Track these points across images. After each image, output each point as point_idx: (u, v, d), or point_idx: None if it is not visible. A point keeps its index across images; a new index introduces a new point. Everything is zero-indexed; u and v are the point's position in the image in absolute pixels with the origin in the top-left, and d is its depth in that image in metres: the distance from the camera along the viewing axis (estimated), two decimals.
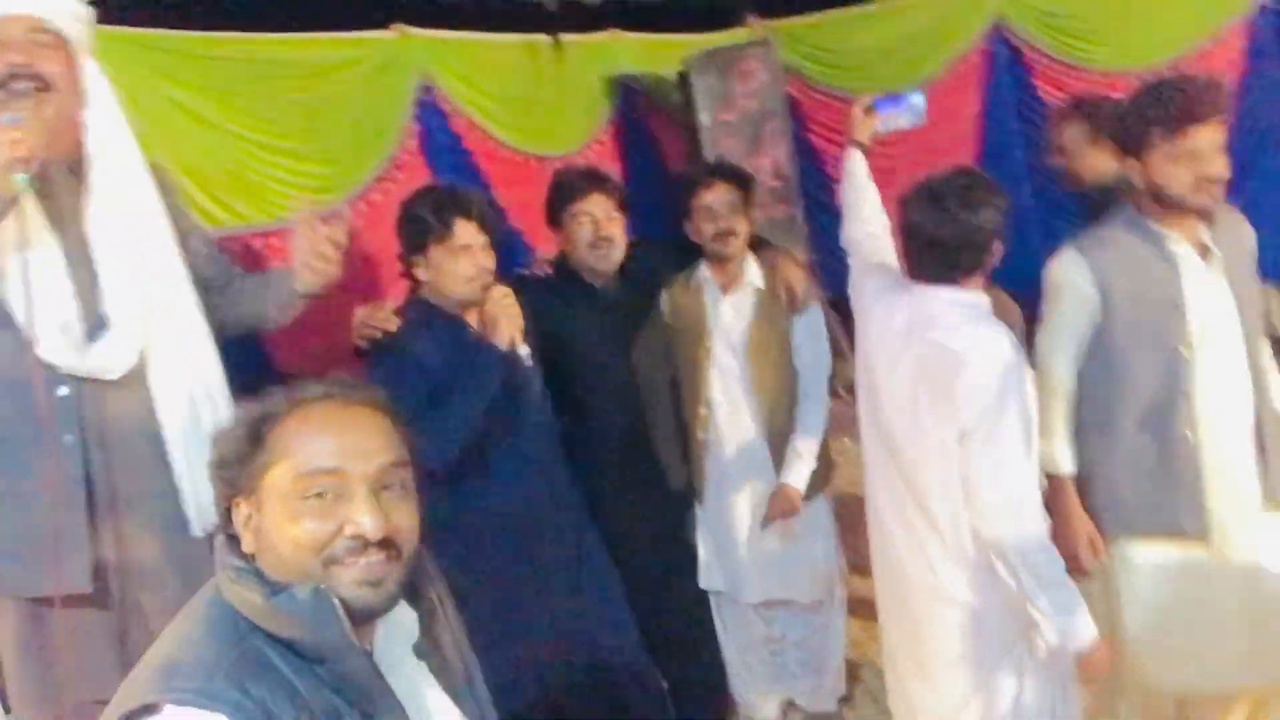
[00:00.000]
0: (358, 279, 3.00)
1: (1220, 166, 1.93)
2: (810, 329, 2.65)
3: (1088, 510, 2.13)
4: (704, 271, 2.64)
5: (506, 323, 2.17)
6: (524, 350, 2.25)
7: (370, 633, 1.07)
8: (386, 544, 1.03)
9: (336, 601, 1.00)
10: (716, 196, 2.54)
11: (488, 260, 2.21)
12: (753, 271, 2.63)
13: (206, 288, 1.90)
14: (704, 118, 4.54)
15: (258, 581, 1.02)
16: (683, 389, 2.66)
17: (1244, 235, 2.12)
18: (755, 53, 4.65)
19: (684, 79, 4.69)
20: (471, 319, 2.23)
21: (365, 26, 3.91)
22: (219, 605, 1.03)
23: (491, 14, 4.40)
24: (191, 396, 1.78)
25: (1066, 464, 2.14)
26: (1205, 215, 2.01)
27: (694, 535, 2.70)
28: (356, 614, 1.02)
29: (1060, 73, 5.21)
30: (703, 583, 2.71)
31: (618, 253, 2.49)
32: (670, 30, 5.15)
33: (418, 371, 2.14)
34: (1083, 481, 2.14)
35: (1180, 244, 2.03)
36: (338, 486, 1.03)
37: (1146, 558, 2.09)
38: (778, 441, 2.61)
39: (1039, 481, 1.95)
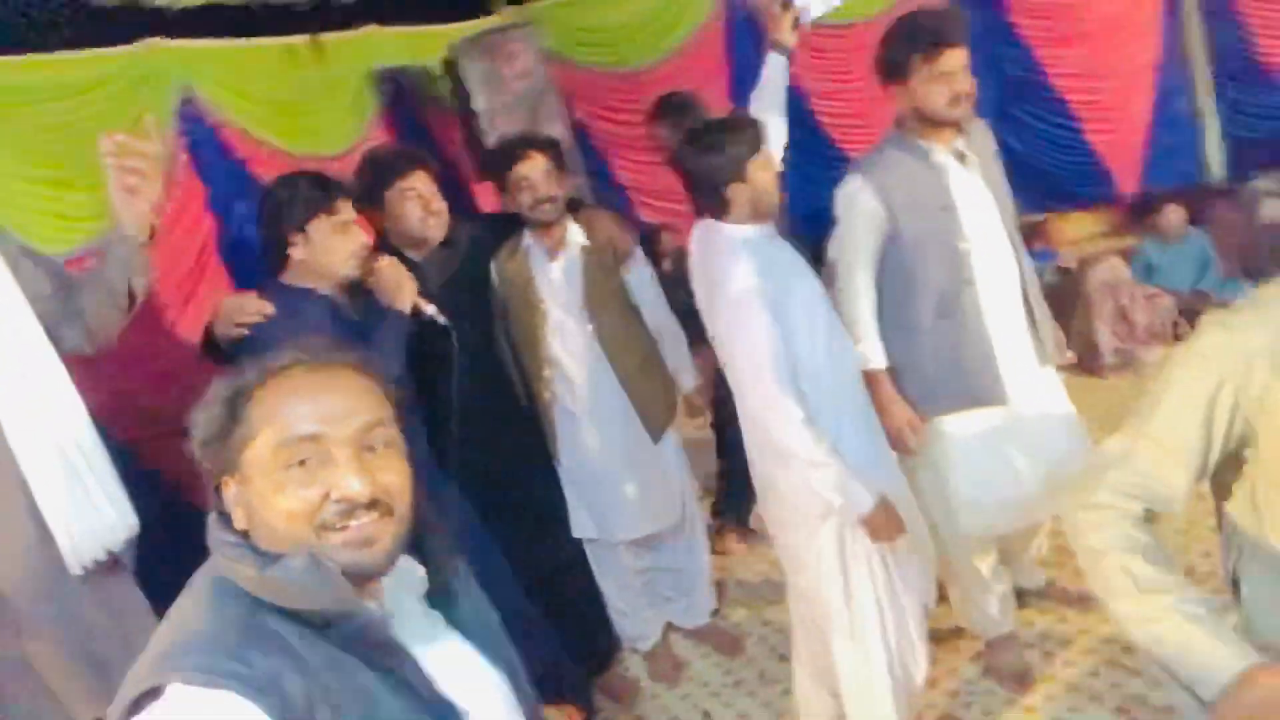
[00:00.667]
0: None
1: (969, 83, 2.30)
2: (643, 275, 2.86)
3: (904, 397, 2.46)
4: (528, 239, 2.76)
5: (405, 287, 2.22)
6: (430, 309, 2.29)
7: (377, 592, 1.06)
8: (376, 504, 1.02)
9: (331, 564, 0.98)
10: (532, 166, 2.66)
11: (365, 238, 2.24)
12: (575, 232, 2.78)
13: (48, 303, 1.82)
14: (479, 102, 4.62)
15: (252, 555, 1.01)
16: (522, 353, 2.78)
17: (989, 140, 2.51)
18: (518, 35, 4.78)
19: (451, 67, 4.75)
20: (343, 298, 2.23)
21: (118, 42, 3.72)
22: (218, 583, 1.01)
23: (247, 20, 4.28)
24: (54, 437, 1.72)
25: (879, 359, 2.45)
26: (961, 127, 2.38)
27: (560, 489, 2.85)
28: (355, 576, 1.01)
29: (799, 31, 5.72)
30: (575, 532, 2.86)
31: (445, 225, 2.57)
32: (426, 22, 5.19)
33: None
34: (896, 372, 2.47)
35: (943, 154, 2.38)
36: (319, 452, 1.01)
37: (957, 429, 2.45)
38: (634, 387, 2.79)
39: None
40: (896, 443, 2.41)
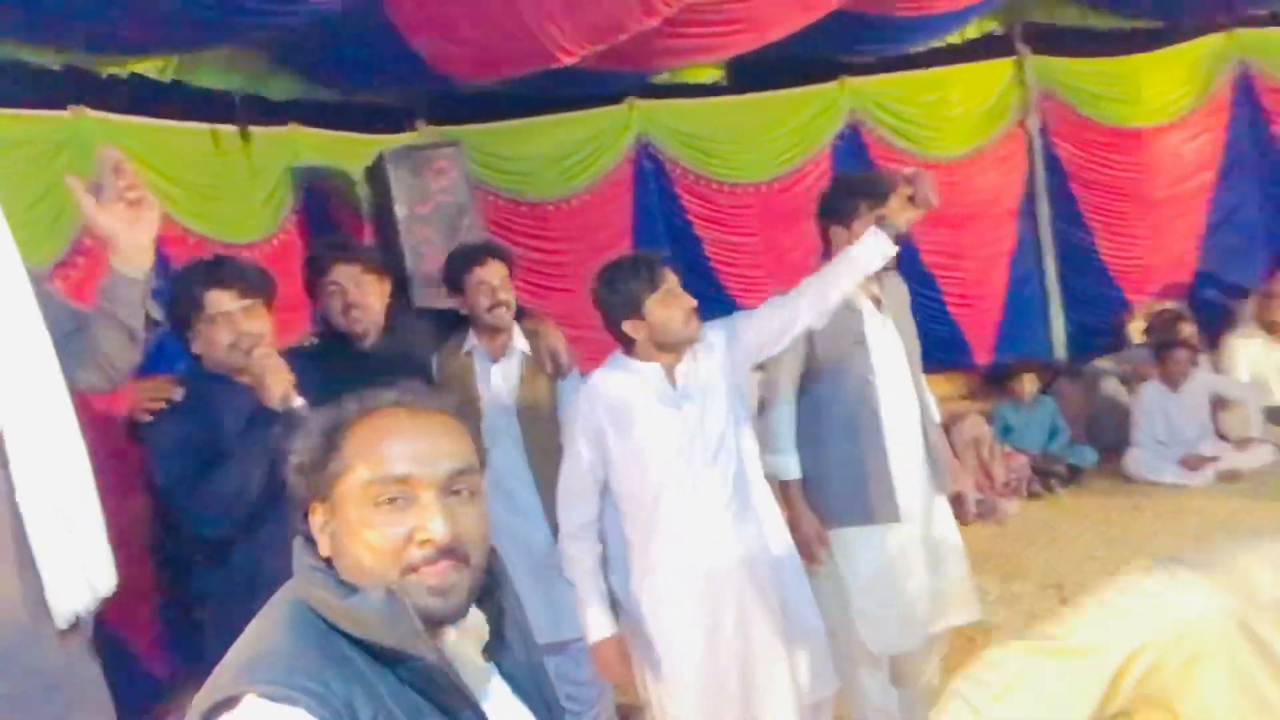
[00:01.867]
0: None
1: None
2: (575, 388, 2.97)
3: (811, 509, 2.65)
4: (473, 340, 2.86)
5: (273, 380, 2.15)
6: (299, 403, 2.23)
7: (441, 636, 1.08)
8: (453, 550, 1.05)
9: (408, 603, 1.01)
10: (490, 272, 2.79)
11: (250, 324, 2.20)
12: (519, 339, 2.89)
13: (69, 341, 1.77)
14: (400, 210, 4.75)
15: (333, 582, 1.04)
16: None
17: (903, 291, 2.83)
18: (447, 152, 4.99)
19: (376, 173, 4.89)
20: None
21: (46, 104, 3.69)
22: (298, 605, 1.04)
23: (176, 101, 4.31)
24: (50, 480, 1.65)
25: (794, 471, 2.66)
26: (878, 274, 2.67)
27: None
28: (427, 621, 1.02)
29: (696, 183, 6.16)
30: None
31: (368, 317, 2.63)
32: (348, 129, 5.34)
33: (192, 440, 2.12)
34: (805, 485, 2.67)
35: (861, 298, 2.67)
36: (407, 492, 1.05)
37: (856, 543, 2.64)
38: (549, 493, 2.85)
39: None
40: (804, 553, 2.56)
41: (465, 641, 1.09)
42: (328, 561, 1.07)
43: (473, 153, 5.64)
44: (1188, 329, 5.21)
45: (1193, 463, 4.95)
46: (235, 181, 4.57)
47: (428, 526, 1.04)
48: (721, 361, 2.36)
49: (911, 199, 2.34)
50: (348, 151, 5.23)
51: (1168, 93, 6.32)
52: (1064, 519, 4.77)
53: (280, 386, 2.16)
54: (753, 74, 5.94)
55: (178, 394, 2.15)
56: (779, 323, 2.36)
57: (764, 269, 6.03)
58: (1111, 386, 5.46)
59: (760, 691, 2.30)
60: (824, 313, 2.38)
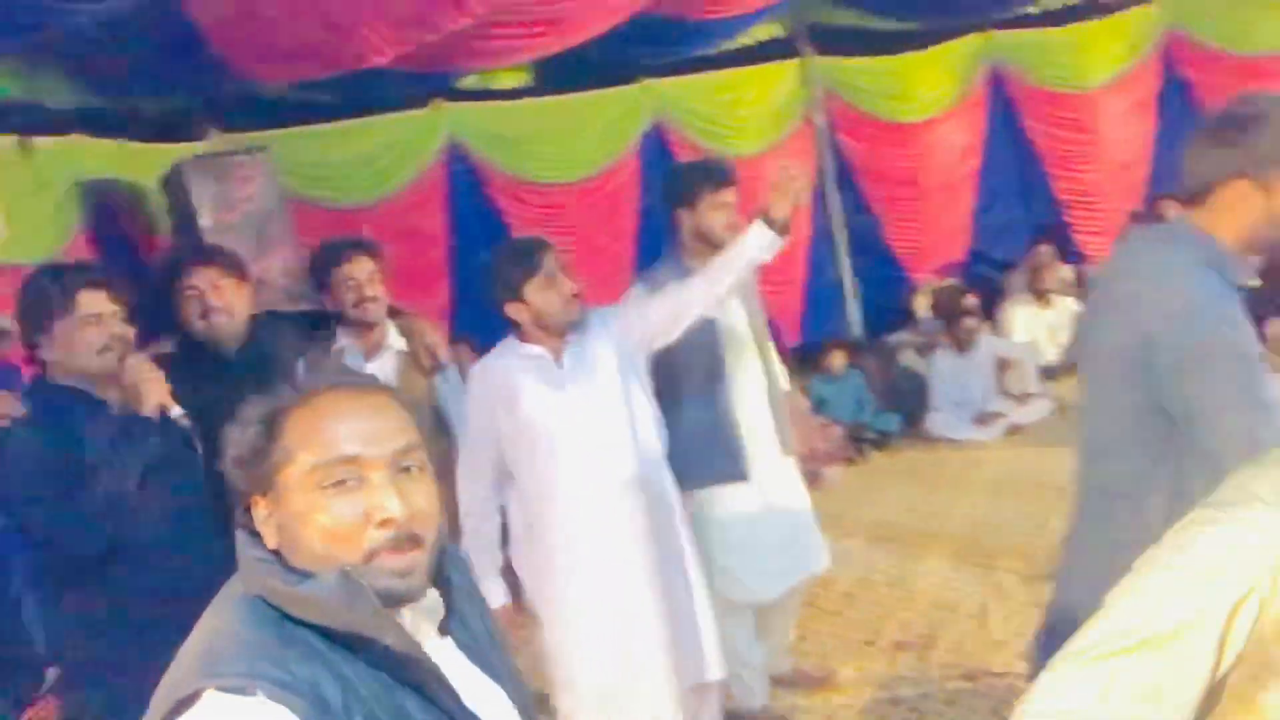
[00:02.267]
0: None
1: (737, 216, 2.78)
2: (452, 383, 2.96)
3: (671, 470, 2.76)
4: (344, 339, 2.80)
5: (148, 387, 2.10)
6: (176, 412, 2.20)
7: (397, 615, 1.05)
8: (412, 531, 1.02)
9: (365, 584, 0.98)
10: (355, 267, 2.73)
11: (122, 328, 2.14)
12: (393, 336, 2.84)
13: None
14: (205, 219, 4.52)
15: (284, 571, 1.01)
16: None
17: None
18: (252, 158, 4.79)
19: (173, 182, 4.63)
20: (111, 394, 2.13)
21: None
22: (248, 599, 1.00)
23: None
24: None
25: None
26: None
27: None
28: (385, 602, 1.00)
29: (510, 184, 6.20)
30: None
31: (229, 322, 2.53)
32: (138, 139, 5.02)
33: (47, 456, 2.00)
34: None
35: None
36: (356, 473, 1.02)
37: (712, 501, 2.78)
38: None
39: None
40: None
41: (421, 619, 1.07)
42: (275, 554, 1.04)
43: (277, 159, 5.45)
44: (969, 301, 5.78)
45: (984, 419, 5.51)
46: (18, 196, 4.22)
47: (384, 506, 1.01)
48: (614, 344, 2.44)
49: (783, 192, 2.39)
50: (138, 162, 4.92)
51: (934, 89, 6.97)
52: (879, 479, 5.19)
53: (156, 394, 2.11)
54: (559, 76, 6.06)
55: (15, 408, 2.00)
56: (671, 311, 2.47)
57: (581, 265, 6.14)
58: (908, 357, 5.96)
59: (641, 669, 2.38)
60: (716, 300, 2.50)
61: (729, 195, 2.74)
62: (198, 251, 2.58)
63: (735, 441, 2.80)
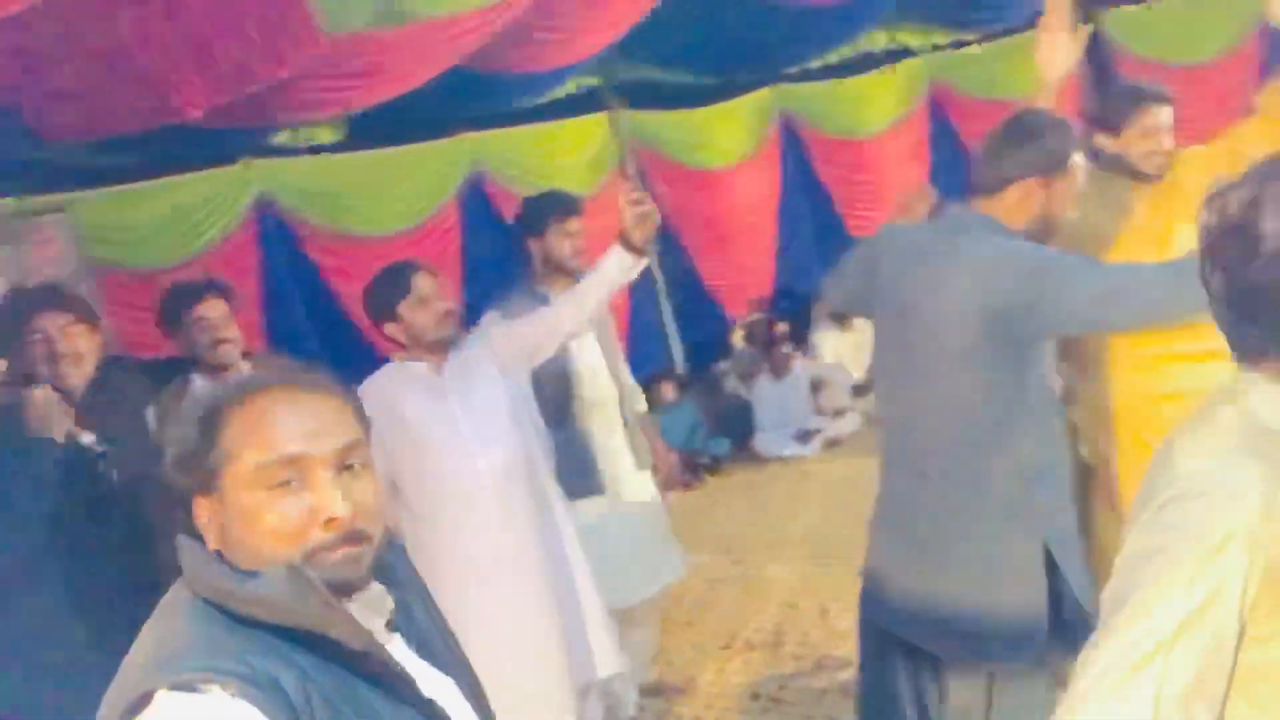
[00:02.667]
0: None
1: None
2: None
3: None
4: (198, 383, 2.72)
5: (54, 415, 2.11)
6: (87, 439, 2.14)
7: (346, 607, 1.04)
8: (355, 530, 1.02)
9: (313, 575, 0.97)
10: (209, 309, 2.68)
11: None
12: None
13: None
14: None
15: (231, 570, 0.99)
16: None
17: None
18: (50, 220, 4.57)
19: None
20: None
21: None
22: (195, 602, 0.98)
23: None
24: None
25: None
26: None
27: None
28: (333, 591, 0.99)
29: (327, 240, 6.14)
30: None
31: (77, 370, 2.45)
32: None
33: None
34: None
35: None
36: (301, 472, 1.01)
37: (577, 514, 2.89)
38: None
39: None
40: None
41: (369, 615, 1.07)
42: (217, 555, 1.02)
43: (77, 222, 5.17)
44: (781, 329, 6.21)
45: (805, 436, 5.91)
46: None
47: (329, 505, 1.00)
48: (493, 358, 2.55)
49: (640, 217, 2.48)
50: None
51: (733, 138, 7.46)
52: (718, 499, 5.46)
53: (58, 421, 2.12)
54: (375, 130, 6.08)
55: None
56: (542, 333, 2.59)
57: None
58: (732, 385, 6.31)
59: (536, 670, 2.44)
60: (584, 322, 2.62)
61: (575, 224, 2.91)
62: (47, 294, 2.48)
63: (589, 456, 2.93)
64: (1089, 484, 2.41)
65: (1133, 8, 7.83)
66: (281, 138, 5.98)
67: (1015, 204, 1.88)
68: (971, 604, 1.88)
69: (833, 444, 5.91)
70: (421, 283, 2.49)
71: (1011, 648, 1.87)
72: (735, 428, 6.04)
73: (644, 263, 2.58)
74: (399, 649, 1.09)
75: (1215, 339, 1.06)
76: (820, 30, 6.48)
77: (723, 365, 6.61)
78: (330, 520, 1.00)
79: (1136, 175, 2.36)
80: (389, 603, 1.09)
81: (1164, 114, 2.38)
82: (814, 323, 6.85)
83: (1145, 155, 2.34)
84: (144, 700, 0.89)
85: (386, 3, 4.34)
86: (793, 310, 7.19)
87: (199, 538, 1.04)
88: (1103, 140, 2.38)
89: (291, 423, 1.02)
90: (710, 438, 5.96)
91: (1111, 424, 2.36)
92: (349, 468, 1.04)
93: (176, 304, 2.73)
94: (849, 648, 3.45)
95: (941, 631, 1.93)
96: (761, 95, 7.52)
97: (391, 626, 1.10)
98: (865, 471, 4.96)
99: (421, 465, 2.44)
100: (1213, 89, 7.32)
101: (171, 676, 0.89)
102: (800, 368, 6.17)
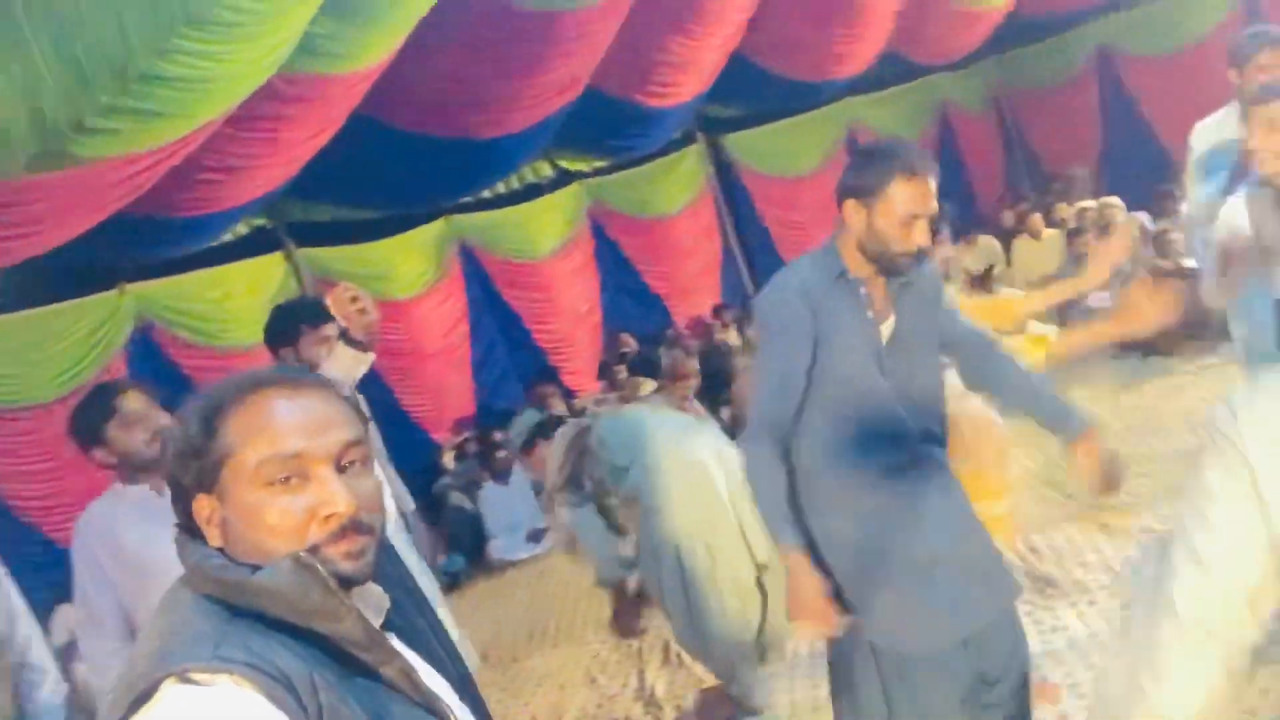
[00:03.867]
0: None
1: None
2: None
3: None
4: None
5: None
6: None
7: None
8: (357, 523, 1.03)
9: (318, 565, 0.97)
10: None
11: None
12: None
13: None
14: None
15: (234, 564, 0.99)
16: None
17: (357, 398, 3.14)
18: None
19: None
20: None
21: None
22: (196, 598, 0.98)
23: None
24: None
25: None
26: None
27: None
28: (338, 584, 0.99)
29: (194, 352, 6.31)
30: None
31: None
32: None
33: None
34: None
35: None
36: (301, 469, 1.02)
37: None
38: None
39: None
40: None
41: (367, 612, 1.06)
42: (219, 552, 1.03)
43: None
44: (496, 436, 6.35)
45: (535, 535, 6.02)
46: None
47: (330, 501, 1.01)
48: None
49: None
50: None
51: (415, 268, 7.65)
52: (466, 616, 5.38)
53: None
54: (25, 290, 5.56)
55: None
56: None
57: (73, 478, 5.56)
58: (457, 498, 6.30)
59: None
60: None
61: (330, 330, 2.91)
62: None
63: None
64: None
65: (747, 131, 9.20)
66: None
67: (847, 220, 2.10)
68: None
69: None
70: (129, 402, 2.39)
71: None
72: (467, 541, 6.01)
73: (370, 357, 2.62)
74: (397, 645, 1.09)
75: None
76: (488, 162, 6.94)
77: (442, 482, 6.57)
78: (330, 516, 1.01)
79: None
80: (385, 601, 1.11)
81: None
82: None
83: None
84: (151, 690, 0.89)
85: (43, 144, 4.08)
86: (499, 424, 7.38)
87: (198, 536, 1.04)
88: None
89: (292, 420, 1.03)
90: (445, 557, 5.88)
91: None
92: (349, 465, 1.05)
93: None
94: (625, 707, 3.61)
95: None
96: (434, 226, 7.80)
97: (387, 625, 1.10)
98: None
99: (150, 596, 2.31)
100: (815, 197, 8.81)
101: (178, 667, 0.89)
102: (518, 470, 6.32)
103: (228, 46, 3.95)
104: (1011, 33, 9.23)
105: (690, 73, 7.09)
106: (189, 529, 1.05)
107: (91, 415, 2.33)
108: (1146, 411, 5.18)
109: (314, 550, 1.00)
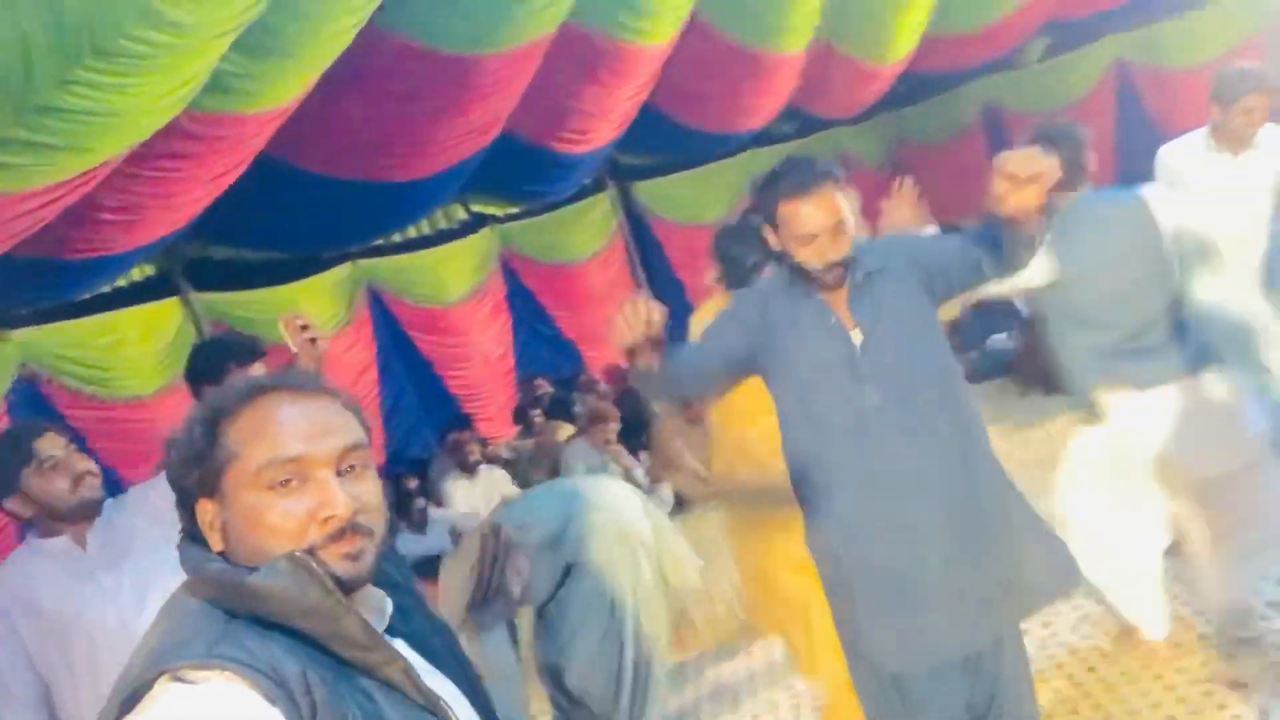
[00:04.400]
0: None
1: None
2: None
3: None
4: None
5: None
6: None
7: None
8: (357, 524, 1.05)
9: (314, 564, 0.99)
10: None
11: None
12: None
13: None
14: None
15: (234, 567, 1.01)
16: None
17: None
18: None
19: None
20: None
21: None
22: (197, 603, 1.00)
23: None
24: None
25: None
26: None
27: None
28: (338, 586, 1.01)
29: (82, 402, 6.03)
30: None
31: None
32: None
33: None
34: None
35: None
36: (302, 473, 1.03)
37: None
38: None
39: None
40: None
41: (370, 617, 1.08)
42: (221, 556, 1.05)
43: None
44: (412, 484, 6.17)
45: None
46: None
47: (330, 504, 1.03)
48: (156, 518, 2.22)
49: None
50: None
51: (320, 314, 7.40)
52: None
53: None
54: None
55: None
56: None
57: None
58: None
59: None
60: None
61: (259, 367, 2.78)
62: None
63: None
64: None
65: (657, 179, 9.34)
66: None
67: (771, 244, 2.19)
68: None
69: None
70: (47, 446, 2.23)
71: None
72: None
73: None
74: (401, 649, 1.10)
75: None
76: (399, 206, 6.82)
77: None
78: (329, 518, 1.03)
79: None
80: (388, 606, 1.12)
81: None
82: (441, 473, 6.88)
83: None
84: (146, 689, 0.90)
85: None
86: (410, 471, 7.17)
87: (201, 542, 1.05)
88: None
89: (293, 425, 1.05)
90: None
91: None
92: (350, 469, 1.07)
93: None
94: None
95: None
96: (340, 270, 7.61)
97: (391, 630, 1.11)
98: None
99: (72, 658, 2.12)
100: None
101: (172, 665, 0.91)
102: (439, 518, 6.13)
103: (135, 79, 3.79)
104: (906, 89, 9.63)
105: (603, 121, 7.16)
106: (192, 535, 1.07)
107: (4, 462, 2.15)
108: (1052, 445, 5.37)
109: (311, 551, 1.01)
